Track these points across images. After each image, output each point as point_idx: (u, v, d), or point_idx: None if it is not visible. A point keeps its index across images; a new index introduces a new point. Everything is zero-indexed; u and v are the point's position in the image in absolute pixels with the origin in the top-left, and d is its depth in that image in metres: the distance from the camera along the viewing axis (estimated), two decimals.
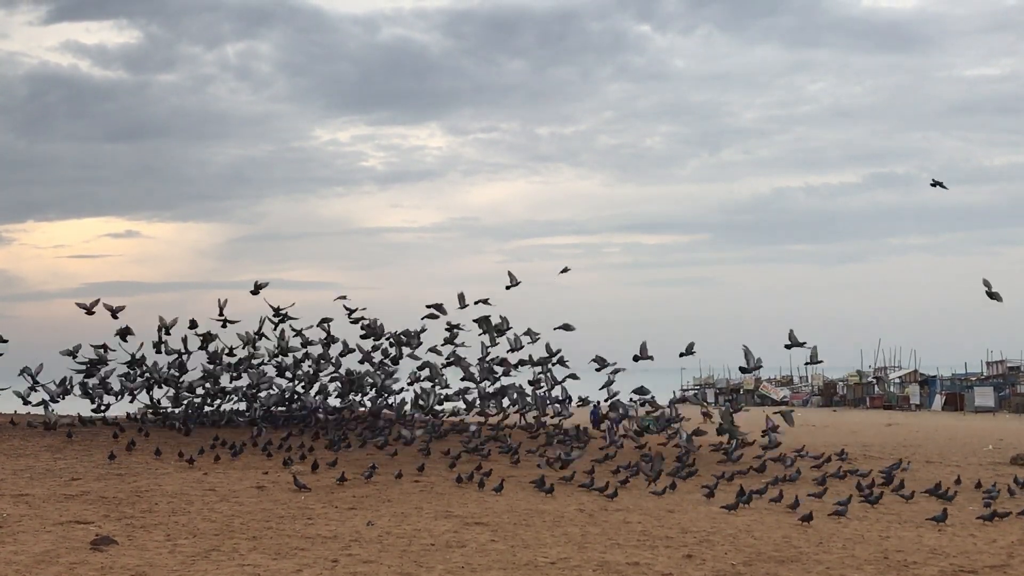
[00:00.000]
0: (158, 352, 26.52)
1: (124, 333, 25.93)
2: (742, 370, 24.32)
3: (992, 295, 20.93)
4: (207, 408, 27.31)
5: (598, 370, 24.57)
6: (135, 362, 26.20)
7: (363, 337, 27.00)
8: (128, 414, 28.00)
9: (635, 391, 24.92)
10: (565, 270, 26.44)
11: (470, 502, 15.21)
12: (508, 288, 25.92)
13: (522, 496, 16.01)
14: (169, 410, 26.88)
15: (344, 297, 27.08)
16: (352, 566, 10.50)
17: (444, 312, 26.32)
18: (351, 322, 26.90)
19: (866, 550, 12.08)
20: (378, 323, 26.89)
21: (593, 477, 17.32)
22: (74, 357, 25.94)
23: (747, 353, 23.03)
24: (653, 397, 25.24)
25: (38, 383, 25.66)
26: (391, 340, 26.97)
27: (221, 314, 26.69)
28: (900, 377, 66.62)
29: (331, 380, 27.54)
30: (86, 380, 26.06)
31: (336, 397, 27.65)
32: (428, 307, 26.43)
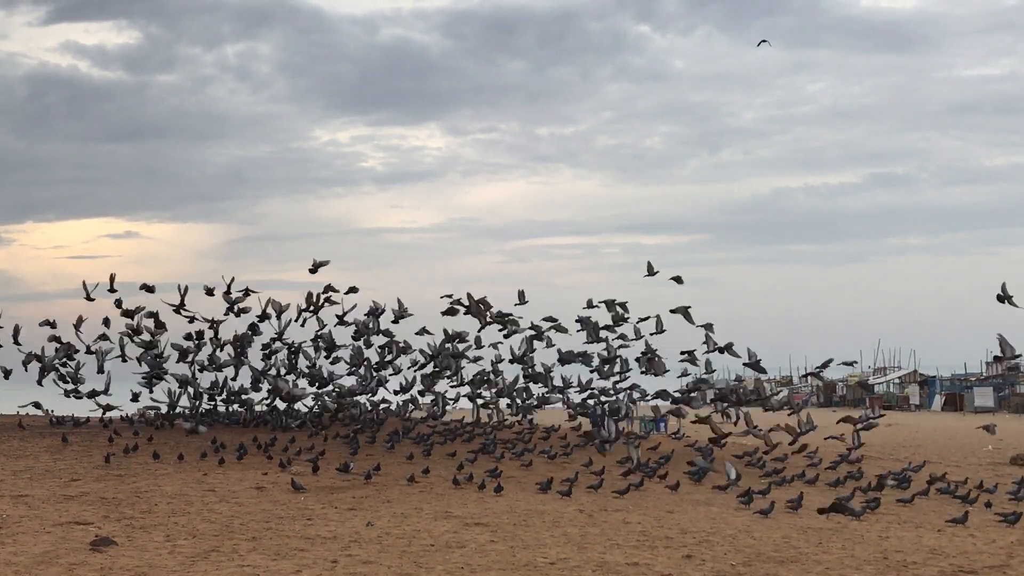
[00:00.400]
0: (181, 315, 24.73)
1: (150, 288, 24.21)
2: (996, 359, 22.47)
3: (1004, 298, 20.19)
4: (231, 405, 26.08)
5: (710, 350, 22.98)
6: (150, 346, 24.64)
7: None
8: (123, 415, 27.63)
9: (748, 364, 23.56)
10: (678, 279, 23.87)
11: (470, 503, 15.22)
12: (646, 276, 23.50)
13: (522, 497, 16.01)
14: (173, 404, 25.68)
15: (450, 296, 24.76)
16: (352, 567, 10.51)
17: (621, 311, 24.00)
18: (467, 313, 24.51)
19: (865, 550, 12.09)
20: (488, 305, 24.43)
21: (602, 478, 17.34)
22: (52, 326, 24.38)
23: (1002, 342, 20.49)
24: (766, 371, 24.03)
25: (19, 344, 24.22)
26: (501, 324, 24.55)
27: (229, 292, 24.86)
28: (900, 377, 66.69)
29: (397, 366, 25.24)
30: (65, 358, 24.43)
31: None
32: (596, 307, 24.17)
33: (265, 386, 25.58)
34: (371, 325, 25.07)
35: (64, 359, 24.90)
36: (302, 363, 25.87)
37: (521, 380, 25.30)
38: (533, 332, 24.79)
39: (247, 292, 25.11)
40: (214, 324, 25.32)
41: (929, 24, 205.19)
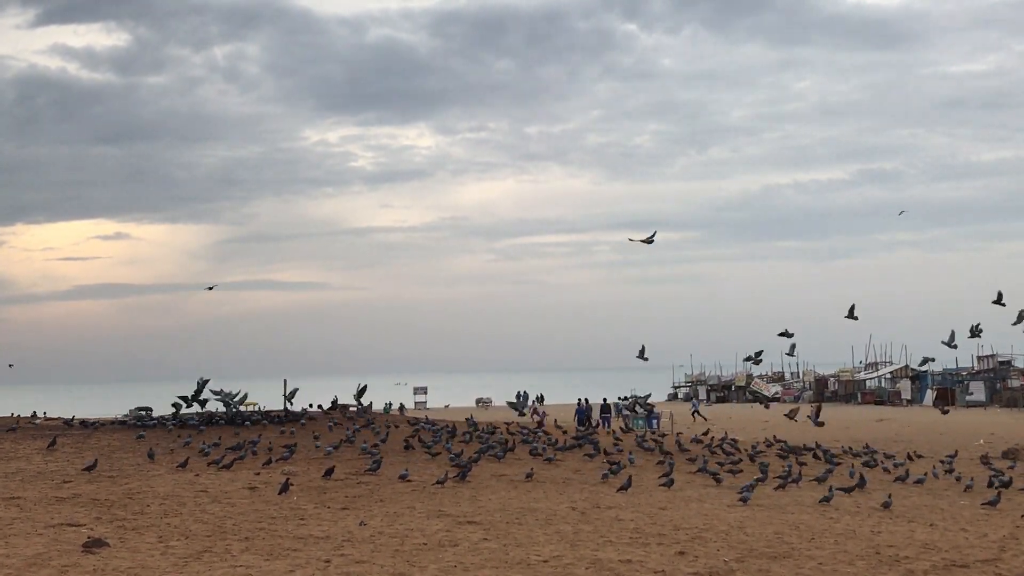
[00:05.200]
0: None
1: None
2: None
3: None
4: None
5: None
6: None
7: None
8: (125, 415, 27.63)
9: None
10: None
11: (462, 501, 15.21)
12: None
13: (514, 495, 16.01)
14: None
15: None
16: (345, 566, 10.49)
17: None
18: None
19: (858, 545, 12.11)
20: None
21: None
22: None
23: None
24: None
25: None
26: None
27: None
28: (891, 372, 66.76)
29: None
30: None
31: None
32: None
33: None
34: None
35: None
36: None
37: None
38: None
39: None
40: None
41: (915, 21, 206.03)
